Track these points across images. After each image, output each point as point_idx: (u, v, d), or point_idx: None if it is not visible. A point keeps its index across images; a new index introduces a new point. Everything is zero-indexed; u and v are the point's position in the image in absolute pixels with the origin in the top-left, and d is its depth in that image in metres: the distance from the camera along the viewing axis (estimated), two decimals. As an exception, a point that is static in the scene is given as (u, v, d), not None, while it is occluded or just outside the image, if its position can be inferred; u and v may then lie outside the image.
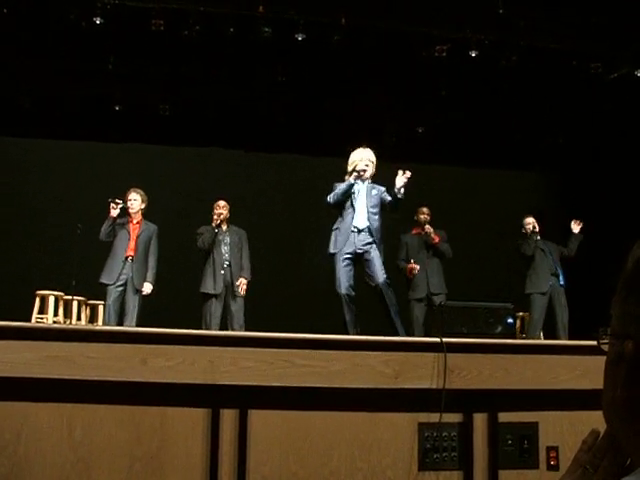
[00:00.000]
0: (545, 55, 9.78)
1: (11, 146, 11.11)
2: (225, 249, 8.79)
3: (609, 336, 1.09)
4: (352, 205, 7.19)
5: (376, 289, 7.03)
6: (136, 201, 8.57)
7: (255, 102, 10.96)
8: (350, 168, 7.35)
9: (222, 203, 8.91)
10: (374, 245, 7.11)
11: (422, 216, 9.16)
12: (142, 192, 8.65)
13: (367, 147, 7.51)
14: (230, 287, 8.72)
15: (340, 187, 7.22)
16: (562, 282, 8.97)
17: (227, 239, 8.84)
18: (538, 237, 9.21)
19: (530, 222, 9.27)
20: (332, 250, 7.15)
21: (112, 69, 9.95)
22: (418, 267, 8.89)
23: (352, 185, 7.20)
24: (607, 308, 1.10)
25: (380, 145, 11.08)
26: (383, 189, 7.29)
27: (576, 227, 9.27)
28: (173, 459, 3.31)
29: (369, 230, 7.13)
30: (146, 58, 10.01)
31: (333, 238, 7.19)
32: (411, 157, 11.45)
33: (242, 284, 8.78)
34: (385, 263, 7.66)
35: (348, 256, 7.07)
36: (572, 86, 10.50)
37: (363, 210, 7.18)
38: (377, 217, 7.22)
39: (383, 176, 9.08)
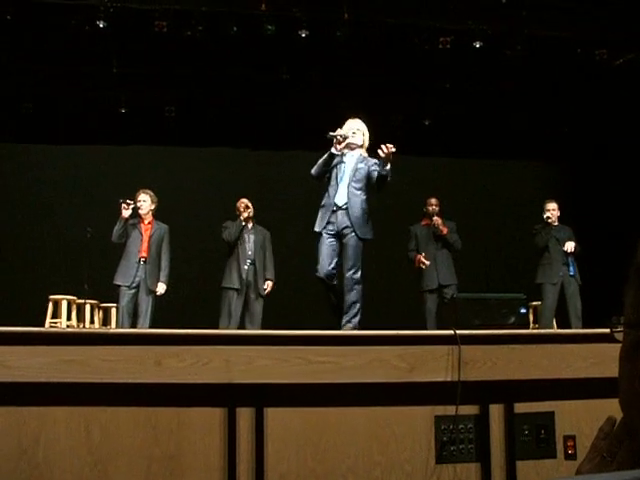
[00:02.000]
0: (549, 43, 9.75)
1: (19, 152, 11.15)
2: (250, 246, 8.86)
3: (623, 325, 1.08)
4: (336, 179, 6.40)
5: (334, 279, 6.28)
6: (145, 202, 8.58)
7: (260, 100, 10.96)
8: (341, 138, 6.47)
9: (246, 200, 8.96)
10: (352, 229, 6.23)
11: (430, 207, 9.14)
12: (151, 193, 8.66)
13: (356, 117, 6.76)
14: (252, 285, 8.76)
15: (322, 160, 6.43)
16: (572, 272, 8.89)
17: (252, 237, 8.91)
18: (556, 223, 9.07)
19: (550, 209, 9.10)
20: (317, 229, 6.34)
21: (117, 72, 9.97)
22: (428, 263, 8.88)
23: (332, 155, 6.38)
24: (619, 296, 1.10)
25: (387, 138, 11.07)
26: (374, 161, 6.38)
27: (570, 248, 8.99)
28: (191, 459, 3.33)
29: (347, 210, 6.29)
30: (150, 60, 10.03)
31: (319, 216, 6.40)
32: (419, 150, 11.46)
33: (268, 286, 8.88)
34: (393, 255, 7.57)
35: (331, 234, 6.27)
36: (578, 74, 10.46)
37: (345, 185, 6.36)
38: (359, 193, 6.36)
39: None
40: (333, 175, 6.42)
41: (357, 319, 6.17)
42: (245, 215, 8.82)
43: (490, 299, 4.51)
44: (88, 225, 8.81)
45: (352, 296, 6.15)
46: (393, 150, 6.06)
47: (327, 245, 6.23)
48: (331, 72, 10.40)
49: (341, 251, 6.25)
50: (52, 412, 3.28)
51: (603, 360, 3.55)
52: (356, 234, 6.23)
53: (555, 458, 3.59)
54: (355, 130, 6.58)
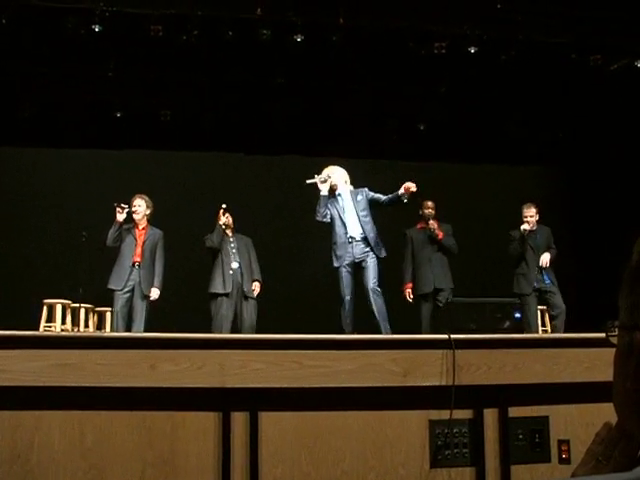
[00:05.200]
0: (544, 49, 9.76)
1: (14, 156, 11.12)
2: (233, 252, 8.81)
3: (617, 328, 1.09)
4: (340, 217, 7.53)
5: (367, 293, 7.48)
6: (140, 207, 8.56)
7: (255, 105, 10.96)
8: (322, 179, 7.66)
9: (225, 207, 8.91)
10: (371, 253, 7.47)
11: (427, 210, 9.05)
12: (147, 198, 8.65)
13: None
14: (241, 289, 8.73)
15: (318, 204, 7.59)
16: (547, 282, 8.78)
17: (234, 245, 8.86)
18: (534, 228, 8.94)
19: (528, 215, 8.85)
20: (335, 264, 7.55)
21: (112, 76, 9.96)
22: (411, 300, 8.99)
23: (326, 197, 7.59)
24: (614, 300, 1.10)
25: (382, 143, 11.13)
26: (366, 189, 7.72)
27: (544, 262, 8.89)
28: (185, 463, 3.32)
29: (364, 238, 7.48)
30: (146, 64, 10.01)
31: (333, 253, 7.59)
32: (413, 155, 11.47)
33: (256, 287, 8.84)
34: (389, 258, 7.77)
35: (348, 268, 7.49)
36: (573, 79, 10.49)
37: (354, 219, 7.52)
38: (369, 220, 7.58)
39: (386, 174, 9.09)
40: (335, 213, 7.60)
41: None
42: (224, 219, 8.77)
43: (485, 303, 4.51)
44: (83, 229, 8.78)
45: (382, 304, 7.48)
46: (414, 190, 7.46)
47: (345, 274, 7.47)
48: (326, 77, 10.40)
49: (361, 273, 7.52)
50: (46, 416, 3.27)
51: (597, 364, 3.55)
52: (376, 256, 7.48)
53: (549, 462, 3.59)
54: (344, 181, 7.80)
